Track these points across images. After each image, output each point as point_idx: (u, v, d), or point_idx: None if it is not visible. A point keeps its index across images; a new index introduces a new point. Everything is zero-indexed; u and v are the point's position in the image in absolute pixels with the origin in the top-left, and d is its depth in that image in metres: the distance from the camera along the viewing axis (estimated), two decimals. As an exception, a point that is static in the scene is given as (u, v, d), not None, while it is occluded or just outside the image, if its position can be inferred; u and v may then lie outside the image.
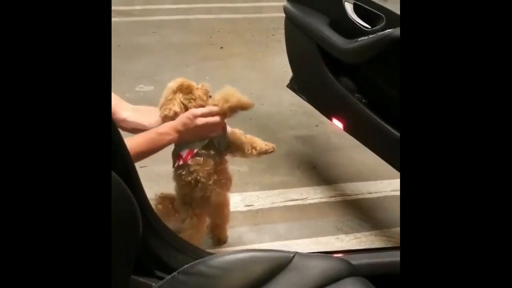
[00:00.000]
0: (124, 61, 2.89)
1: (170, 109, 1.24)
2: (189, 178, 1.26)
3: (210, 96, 1.30)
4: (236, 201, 1.78)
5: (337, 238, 1.64)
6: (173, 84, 1.27)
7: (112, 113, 1.29)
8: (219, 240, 1.56)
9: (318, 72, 1.53)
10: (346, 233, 1.65)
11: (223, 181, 1.33)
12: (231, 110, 1.25)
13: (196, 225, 1.37)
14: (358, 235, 1.65)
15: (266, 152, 1.34)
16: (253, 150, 1.33)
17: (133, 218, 0.73)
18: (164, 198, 1.44)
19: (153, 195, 1.46)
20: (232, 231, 1.62)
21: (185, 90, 1.26)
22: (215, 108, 1.24)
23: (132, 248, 0.75)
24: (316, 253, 0.84)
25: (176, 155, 1.30)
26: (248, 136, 1.36)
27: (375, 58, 1.28)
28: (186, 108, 1.26)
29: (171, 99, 1.24)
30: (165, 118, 1.25)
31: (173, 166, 1.31)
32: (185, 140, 1.26)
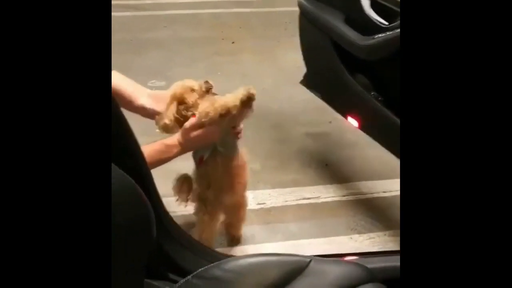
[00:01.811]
0: (136, 56, 2.88)
1: (162, 121, 1.24)
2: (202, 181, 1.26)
3: (213, 93, 1.27)
4: (248, 199, 1.76)
5: (351, 238, 1.61)
6: (171, 92, 1.25)
7: (130, 101, 1.29)
8: (233, 238, 1.55)
9: (333, 69, 1.50)
10: (360, 233, 1.63)
11: (238, 184, 1.31)
12: (220, 116, 1.21)
13: (208, 223, 1.36)
14: (372, 235, 1.62)
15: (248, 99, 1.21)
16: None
17: (147, 222, 0.71)
18: (182, 184, 1.41)
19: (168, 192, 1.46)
20: (245, 230, 1.60)
21: (178, 99, 1.24)
22: (193, 121, 1.22)
23: (145, 252, 0.74)
24: (333, 258, 0.81)
25: (194, 157, 1.31)
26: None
27: (392, 55, 1.25)
28: (184, 117, 1.24)
29: (165, 110, 1.24)
30: (161, 131, 1.25)
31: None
32: (191, 150, 1.27)
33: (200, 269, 0.78)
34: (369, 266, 0.90)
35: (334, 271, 0.78)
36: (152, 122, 1.31)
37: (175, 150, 1.23)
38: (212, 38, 3.25)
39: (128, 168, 0.69)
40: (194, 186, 1.36)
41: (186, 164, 1.36)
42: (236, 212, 1.47)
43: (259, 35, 3.35)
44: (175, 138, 1.23)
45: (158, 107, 1.27)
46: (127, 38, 3.12)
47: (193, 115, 1.23)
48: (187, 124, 1.22)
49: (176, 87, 1.26)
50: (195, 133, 1.22)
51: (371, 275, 0.81)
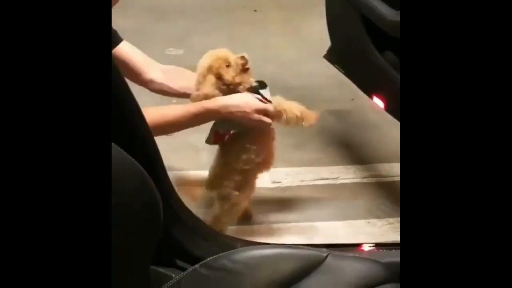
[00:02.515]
0: (154, 23, 2.80)
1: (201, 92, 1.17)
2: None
3: (247, 69, 1.20)
4: (264, 177, 1.71)
5: (369, 222, 1.55)
6: (204, 62, 1.18)
7: (138, 74, 1.23)
8: (246, 215, 1.50)
9: (361, 44, 1.40)
10: (378, 217, 1.57)
11: (266, 163, 1.30)
12: (288, 121, 1.21)
13: (239, 202, 1.31)
14: (391, 220, 1.56)
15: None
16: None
17: (153, 210, 0.67)
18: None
19: (180, 166, 1.43)
20: (258, 209, 1.56)
21: (215, 73, 1.17)
22: (271, 108, 1.18)
23: (151, 239, 0.70)
24: (351, 254, 0.76)
25: (213, 131, 1.23)
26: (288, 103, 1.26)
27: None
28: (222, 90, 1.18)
29: (203, 81, 1.17)
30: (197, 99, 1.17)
31: (209, 142, 1.24)
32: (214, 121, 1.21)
33: (209, 258, 0.74)
34: (387, 260, 0.84)
35: (351, 268, 0.73)
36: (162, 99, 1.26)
37: (199, 119, 1.17)
38: (233, 5, 3.12)
39: (135, 149, 0.64)
40: (217, 166, 1.29)
41: (200, 136, 1.31)
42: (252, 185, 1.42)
43: (282, 4, 3.21)
44: (205, 106, 1.15)
45: (172, 83, 1.21)
46: (145, 4, 3.03)
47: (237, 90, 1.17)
48: (254, 104, 1.16)
49: (210, 59, 1.18)
50: (255, 116, 1.16)
51: (390, 274, 0.75)
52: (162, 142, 0.84)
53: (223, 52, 1.19)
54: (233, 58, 1.18)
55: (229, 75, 1.16)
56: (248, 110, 1.14)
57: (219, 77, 1.16)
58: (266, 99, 1.20)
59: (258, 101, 1.17)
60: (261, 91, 1.21)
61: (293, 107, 1.22)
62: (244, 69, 1.18)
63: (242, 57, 1.17)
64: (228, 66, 1.17)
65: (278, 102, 1.22)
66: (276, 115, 1.21)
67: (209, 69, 1.16)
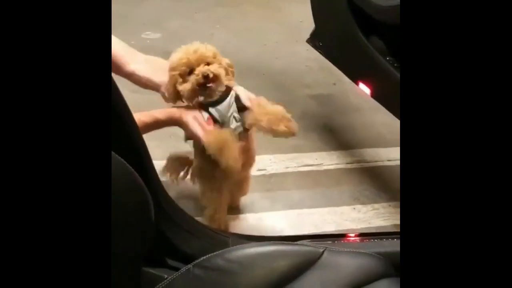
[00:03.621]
0: (129, 5, 2.69)
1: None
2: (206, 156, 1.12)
3: (232, 72, 1.13)
4: (249, 165, 1.69)
5: (354, 208, 1.56)
6: (173, 60, 1.09)
7: (119, 65, 1.17)
8: (232, 208, 1.47)
9: (347, 30, 1.37)
10: (363, 203, 1.57)
11: (246, 161, 1.20)
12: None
13: (218, 200, 1.26)
14: (376, 206, 1.57)
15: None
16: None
17: (145, 210, 0.64)
18: (173, 162, 1.35)
19: (164, 155, 1.38)
20: (244, 198, 1.54)
21: (173, 80, 1.09)
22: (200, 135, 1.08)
23: (143, 242, 0.67)
24: (347, 250, 0.75)
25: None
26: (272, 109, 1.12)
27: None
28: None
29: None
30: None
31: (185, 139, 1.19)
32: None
33: (202, 258, 0.72)
34: (382, 250, 0.84)
35: (349, 264, 0.72)
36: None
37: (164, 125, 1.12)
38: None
39: (125, 150, 0.60)
40: (195, 162, 1.26)
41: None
42: (240, 186, 1.39)
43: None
44: (171, 113, 1.11)
45: (154, 76, 1.14)
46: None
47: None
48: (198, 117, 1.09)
49: (189, 53, 1.07)
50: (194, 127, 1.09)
51: (388, 268, 0.75)
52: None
53: (207, 48, 1.09)
54: (200, 69, 1.07)
55: (183, 87, 1.08)
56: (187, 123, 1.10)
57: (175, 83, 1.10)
58: (213, 117, 1.11)
59: (201, 120, 1.10)
60: (215, 108, 1.11)
61: (276, 112, 1.08)
62: (201, 86, 1.08)
63: (206, 76, 1.06)
64: (190, 73, 1.08)
65: (261, 104, 1.11)
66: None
67: (172, 70, 1.09)
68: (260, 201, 1.55)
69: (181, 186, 1.44)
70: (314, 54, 1.83)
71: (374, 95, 1.38)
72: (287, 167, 1.70)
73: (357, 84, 1.46)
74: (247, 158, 1.20)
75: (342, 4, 1.36)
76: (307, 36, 1.74)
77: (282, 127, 1.06)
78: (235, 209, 1.49)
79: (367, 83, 1.39)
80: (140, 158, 0.66)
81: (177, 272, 0.71)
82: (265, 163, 1.70)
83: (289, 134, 1.07)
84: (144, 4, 2.75)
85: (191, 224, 0.82)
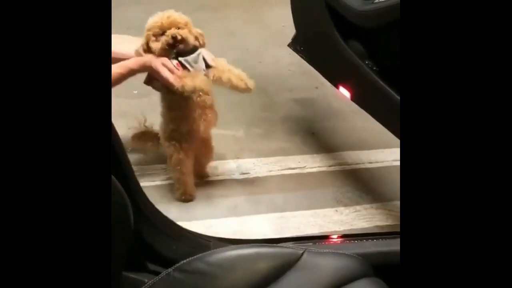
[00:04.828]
0: (113, 9, 2.66)
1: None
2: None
3: (203, 40, 1.33)
4: (232, 168, 1.69)
5: (336, 210, 1.57)
6: (149, 23, 1.29)
7: None
8: (201, 176, 1.58)
9: (326, 34, 1.39)
10: (346, 205, 1.59)
11: (210, 116, 1.37)
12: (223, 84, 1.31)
13: (184, 160, 1.39)
14: (358, 207, 1.58)
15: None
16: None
17: (123, 213, 0.63)
18: (139, 137, 1.54)
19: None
20: (228, 201, 1.55)
21: (146, 38, 1.29)
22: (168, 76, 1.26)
23: (122, 245, 0.66)
24: (327, 251, 0.76)
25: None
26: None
27: (392, 22, 1.15)
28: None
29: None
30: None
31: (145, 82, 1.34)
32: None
33: (182, 262, 0.72)
34: (361, 251, 0.85)
35: (328, 264, 0.73)
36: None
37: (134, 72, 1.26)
38: (194, -10, 3.04)
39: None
40: (164, 126, 1.39)
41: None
42: (205, 147, 1.51)
43: (244, -10, 3.16)
44: (142, 61, 1.26)
45: (119, 49, 1.27)
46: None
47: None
48: (176, 72, 1.25)
49: (163, 18, 1.26)
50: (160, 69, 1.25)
51: (366, 268, 0.76)
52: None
53: (168, 19, 1.26)
54: (170, 31, 1.24)
55: (155, 45, 1.26)
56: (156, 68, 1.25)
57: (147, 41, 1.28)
58: (184, 66, 1.28)
59: (170, 66, 1.26)
60: (184, 58, 1.28)
61: (232, 72, 1.29)
62: (170, 46, 1.25)
63: (174, 37, 1.24)
64: (163, 34, 1.25)
65: (220, 64, 1.31)
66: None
67: (148, 30, 1.27)
68: (243, 204, 1.55)
69: (161, 191, 1.49)
70: (297, 59, 1.85)
71: (354, 99, 1.40)
72: (270, 171, 1.71)
73: (337, 87, 1.48)
74: (212, 114, 1.38)
75: (320, 8, 1.38)
76: (290, 40, 1.76)
77: (242, 83, 1.27)
78: (204, 177, 1.60)
79: (347, 87, 1.41)
80: (119, 162, 0.65)
81: (157, 276, 0.71)
82: (248, 166, 1.70)
83: (247, 90, 1.28)
84: (126, 8, 2.73)
85: (172, 228, 0.82)
